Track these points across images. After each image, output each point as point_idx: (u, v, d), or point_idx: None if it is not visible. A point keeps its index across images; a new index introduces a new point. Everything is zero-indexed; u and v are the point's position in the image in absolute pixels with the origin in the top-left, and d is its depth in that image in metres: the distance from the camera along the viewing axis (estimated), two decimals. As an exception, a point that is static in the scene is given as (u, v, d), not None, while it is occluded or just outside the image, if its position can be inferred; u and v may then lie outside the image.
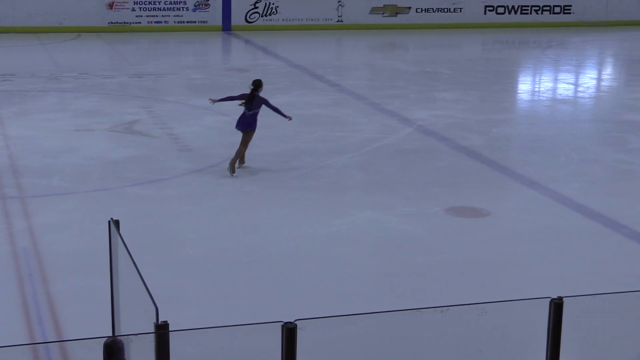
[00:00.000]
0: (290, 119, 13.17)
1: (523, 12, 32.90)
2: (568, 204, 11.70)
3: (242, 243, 10.12)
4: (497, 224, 10.94)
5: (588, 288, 8.52)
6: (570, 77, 22.97)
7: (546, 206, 11.70)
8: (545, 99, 19.92)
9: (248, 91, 12.88)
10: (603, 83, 22.67)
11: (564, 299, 4.95)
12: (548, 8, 33.22)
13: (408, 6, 31.53)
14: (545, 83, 22.56)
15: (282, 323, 4.59)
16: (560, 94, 20.56)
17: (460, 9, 32.00)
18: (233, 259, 9.65)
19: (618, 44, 30.59)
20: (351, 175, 12.96)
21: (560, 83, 22.05)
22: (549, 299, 4.96)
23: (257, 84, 12.82)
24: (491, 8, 32.47)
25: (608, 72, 25.43)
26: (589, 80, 22.89)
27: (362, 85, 21.55)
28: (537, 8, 33.12)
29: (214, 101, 13.17)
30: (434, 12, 31.84)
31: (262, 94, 12.89)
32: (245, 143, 12.81)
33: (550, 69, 24.73)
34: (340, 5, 30.98)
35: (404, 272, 9.35)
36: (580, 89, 21.23)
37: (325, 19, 30.85)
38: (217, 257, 9.70)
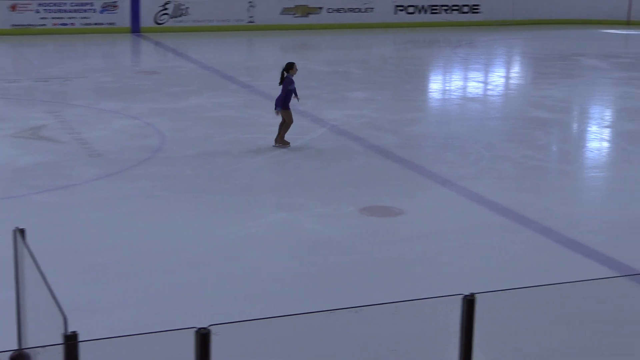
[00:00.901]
0: (298, 99, 14.47)
1: (433, 11, 33.38)
2: (479, 201, 11.89)
3: (154, 248, 9.99)
4: (410, 222, 11.05)
5: (499, 284, 8.67)
6: (479, 76, 23.38)
7: (458, 203, 11.87)
8: (455, 97, 20.22)
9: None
10: (511, 81, 23.13)
11: (476, 295, 5.01)
12: (457, 7, 33.77)
13: (319, 6, 31.66)
14: (456, 82, 22.90)
15: (196, 329, 4.53)
16: (470, 93, 20.90)
17: (372, 9, 32.27)
18: (146, 264, 9.51)
19: (525, 42, 31.26)
20: (265, 177, 12.94)
21: (470, 81, 22.42)
22: (461, 296, 5.01)
23: (288, 66, 14.15)
24: (401, 8, 32.84)
25: (516, 70, 25.97)
26: (497, 78, 23.33)
27: (275, 86, 21.48)
28: (447, 8, 33.63)
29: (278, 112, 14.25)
30: (345, 12, 32.05)
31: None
32: (287, 120, 14.11)
33: (460, 67, 25.13)
34: (251, 6, 30.92)
35: (319, 273, 9.36)
36: (489, 87, 21.62)
37: (236, 20, 30.76)
38: (129, 263, 9.55)
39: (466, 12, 33.98)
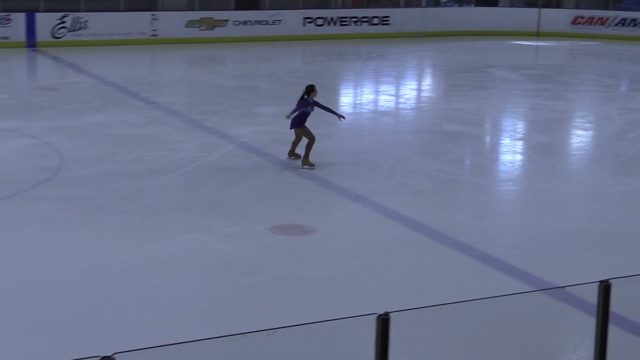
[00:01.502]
0: (343, 117, 15.33)
1: (342, 23, 33.66)
2: (393, 217, 12.01)
3: (55, 273, 9.79)
4: (323, 240, 11.09)
5: (415, 301, 8.76)
6: (391, 89, 23.66)
7: (371, 219, 11.96)
8: (367, 111, 20.41)
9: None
10: (423, 94, 23.48)
11: (390, 314, 5.05)
12: (367, 19, 34.15)
13: (225, 19, 31.62)
14: (367, 95, 23.13)
15: (99, 358, 4.47)
16: (382, 106, 21.12)
17: (279, 21, 32.37)
18: (46, 291, 9.32)
19: (435, 54, 31.79)
20: (171, 196, 12.82)
21: (382, 95, 22.68)
22: (376, 315, 5.05)
23: (309, 89, 14.51)
24: (310, 20, 33.03)
25: (427, 82, 26.37)
26: (409, 91, 23.65)
27: (180, 101, 21.40)
28: (356, 19, 33.96)
29: (289, 117, 14.37)
30: (252, 24, 32.08)
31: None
32: (308, 138, 14.39)
33: (371, 80, 25.40)
34: (154, 18, 30.69)
35: (230, 295, 9.32)
36: (401, 100, 21.90)
37: (139, 33, 30.48)
38: (27, 290, 9.34)
39: (376, 24, 34.37)
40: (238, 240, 10.95)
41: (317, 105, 14.60)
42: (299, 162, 14.58)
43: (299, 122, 14.45)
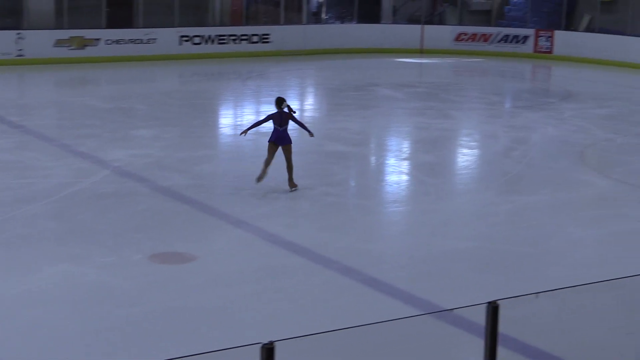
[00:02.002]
0: (312, 135, 14.93)
1: (220, 42, 33.62)
2: (276, 242, 12.04)
3: None
4: (204, 268, 11.03)
5: (301, 329, 8.78)
6: (272, 109, 23.70)
7: (255, 245, 11.97)
8: (248, 132, 20.37)
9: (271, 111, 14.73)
10: (305, 114, 23.62)
11: (275, 343, 5.06)
12: (246, 37, 34.20)
13: (97, 37, 31.17)
14: (248, 116, 23.13)
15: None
16: (263, 127, 21.10)
17: (154, 39, 32.13)
18: None
19: (317, 73, 32.10)
20: (42, 226, 12.55)
21: (262, 115, 22.69)
22: (260, 345, 5.05)
23: (279, 102, 14.64)
24: (187, 38, 32.88)
25: (310, 102, 26.58)
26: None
27: (50, 125, 21.00)
28: (235, 37, 33.98)
29: (245, 132, 14.86)
30: (125, 43, 31.72)
31: None
32: (289, 158, 14.37)
33: (252, 100, 25.45)
34: (20, 37, 30.02)
35: (106, 328, 9.16)
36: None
37: (3, 54, 29.74)
38: None
39: (256, 42, 34.46)
40: (114, 270, 10.79)
41: (292, 120, 14.61)
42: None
43: (285, 139, 14.43)
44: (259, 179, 14.34)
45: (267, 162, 14.39)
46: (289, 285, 10.52)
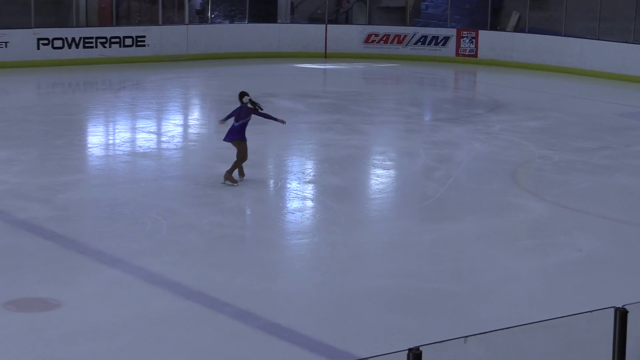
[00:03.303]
0: (284, 122, 17.31)
1: (87, 45, 33.33)
2: (159, 283, 11.97)
3: None
4: (71, 316, 10.89)
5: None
6: (151, 125, 23.61)
7: (133, 287, 11.87)
8: (122, 153, 20.26)
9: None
10: (191, 130, 23.59)
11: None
12: (117, 40, 33.97)
13: None
14: (122, 133, 22.98)
15: None
16: (141, 147, 21.04)
17: (6, 43, 31.68)
18: None
19: (203, 82, 32.09)
20: None
21: (140, 132, 22.59)
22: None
23: (241, 95, 16.49)
24: (45, 41, 32.49)
25: (195, 116, 26.52)
26: (173, 127, 23.67)
27: None
28: (104, 40, 33.70)
29: (223, 121, 16.83)
30: (-30, 48, 31.23)
31: None
32: (241, 153, 16.45)
33: (126, 115, 25.27)
34: None
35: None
36: (164, 138, 21.89)
37: None
38: None
39: (129, 46, 34.26)
40: (-38, 321, 10.59)
41: (254, 113, 16.57)
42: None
43: (242, 134, 16.47)
44: (237, 178, 16.63)
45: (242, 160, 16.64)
46: (174, 335, 10.46)
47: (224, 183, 16.53)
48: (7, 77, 30.09)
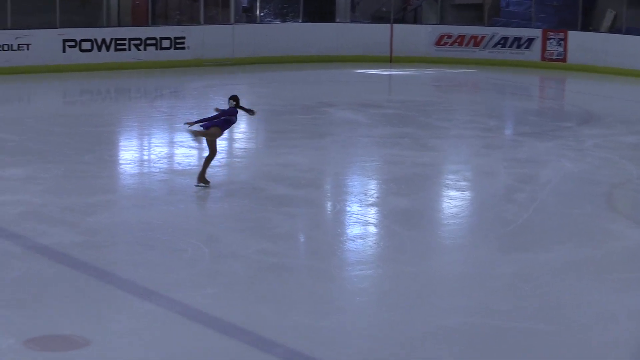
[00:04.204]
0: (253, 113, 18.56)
1: (119, 48, 33.54)
2: (200, 319, 11.97)
3: None
4: (100, 356, 10.94)
5: None
6: (191, 140, 23.67)
7: (169, 324, 11.89)
8: (158, 170, 20.36)
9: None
10: (237, 145, 23.61)
11: None
12: (153, 42, 34.17)
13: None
14: (158, 148, 23.09)
15: None
16: (179, 163, 21.12)
17: (28, 45, 31.99)
18: None
19: (251, 89, 32.14)
20: None
21: (178, 147, 22.68)
22: None
23: (235, 98, 18.14)
24: (72, 43, 32.75)
25: (242, 129, 26.56)
26: (217, 141, 23.69)
27: None
28: (139, 42, 33.90)
29: (191, 124, 17.76)
30: (-13, 50, 31.59)
31: None
32: (211, 144, 17.85)
33: (162, 128, 25.39)
34: None
35: None
36: (205, 154, 21.91)
37: None
38: None
39: (167, 48, 34.44)
40: (-25, 361, 10.68)
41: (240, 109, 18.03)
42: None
43: (223, 123, 17.83)
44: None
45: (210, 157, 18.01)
46: (216, 379, 10.47)
47: (197, 185, 17.85)
48: (29, 83, 30.39)
